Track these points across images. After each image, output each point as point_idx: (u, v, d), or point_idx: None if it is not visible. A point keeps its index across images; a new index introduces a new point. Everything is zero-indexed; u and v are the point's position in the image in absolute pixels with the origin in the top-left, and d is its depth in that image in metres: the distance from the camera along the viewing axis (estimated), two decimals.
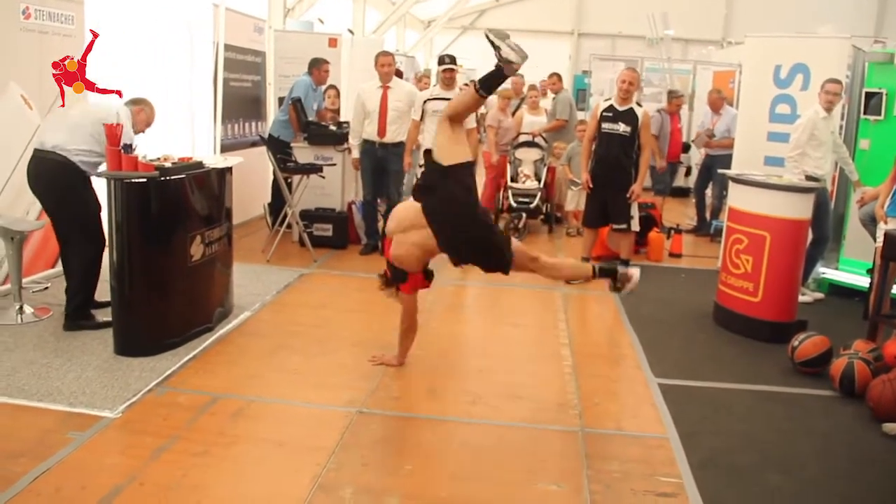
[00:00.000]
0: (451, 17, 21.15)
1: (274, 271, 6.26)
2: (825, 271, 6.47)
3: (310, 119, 7.51)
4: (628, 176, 6.17)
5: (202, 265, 4.62)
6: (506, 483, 3.18)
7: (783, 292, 5.11)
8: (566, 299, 5.93)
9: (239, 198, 5.53)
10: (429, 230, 3.84)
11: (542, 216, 8.65)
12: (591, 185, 6.31)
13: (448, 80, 6.60)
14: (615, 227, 6.34)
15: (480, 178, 6.12)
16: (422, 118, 6.62)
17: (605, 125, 6.21)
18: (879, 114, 6.22)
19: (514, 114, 9.24)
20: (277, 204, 7.49)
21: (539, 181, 8.36)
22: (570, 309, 5.72)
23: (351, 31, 14.07)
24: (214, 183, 4.78)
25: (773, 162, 6.49)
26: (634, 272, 4.18)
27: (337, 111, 8.13)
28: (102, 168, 4.42)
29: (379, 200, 7.27)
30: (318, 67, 7.65)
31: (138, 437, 3.37)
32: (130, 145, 4.19)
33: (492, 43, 3.61)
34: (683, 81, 12.71)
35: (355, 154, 7.03)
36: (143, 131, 4.80)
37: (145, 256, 4.31)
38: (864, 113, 6.35)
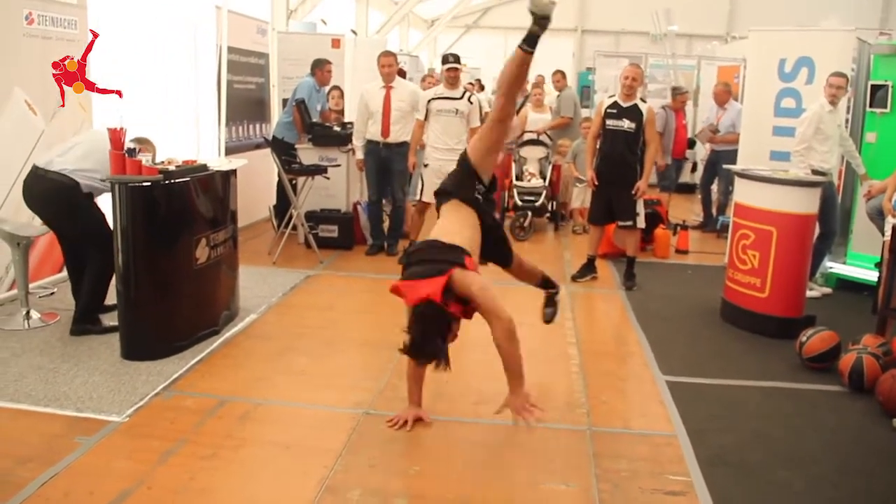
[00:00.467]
0: (454, 16, 21.14)
1: (280, 273, 6.27)
2: (833, 266, 6.45)
3: (314, 120, 7.52)
4: (633, 172, 6.14)
5: (208, 268, 4.62)
6: (514, 482, 3.17)
7: (791, 288, 5.08)
8: (573, 297, 5.91)
9: (244, 200, 5.54)
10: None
11: (547, 214, 8.64)
12: (596, 183, 6.29)
13: (452, 78, 6.59)
14: (621, 224, 6.32)
15: None
16: (426, 118, 6.61)
17: (609, 122, 6.19)
18: (885, 106, 6.19)
19: (518, 112, 9.22)
20: (282, 206, 7.50)
21: (544, 179, 8.35)
22: (577, 307, 5.71)
23: (354, 32, 14.09)
24: (219, 185, 4.78)
25: (778, 156, 6.47)
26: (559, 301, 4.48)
27: (341, 112, 8.14)
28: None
29: (384, 201, 7.27)
30: (321, 68, 7.66)
31: (146, 441, 3.37)
32: (134, 149, 4.19)
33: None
34: (688, 77, 12.66)
35: (359, 155, 7.03)
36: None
37: (151, 260, 4.31)
38: (870, 106, 6.33)
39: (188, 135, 7.94)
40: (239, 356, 4.48)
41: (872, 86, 6.29)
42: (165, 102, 7.69)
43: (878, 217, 5.47)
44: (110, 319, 4.60)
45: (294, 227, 7.12)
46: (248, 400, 3.83)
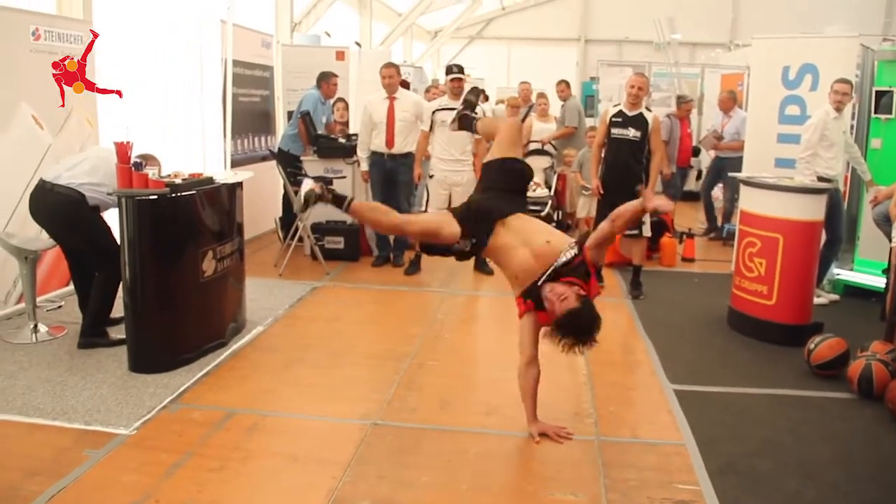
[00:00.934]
0: (457, 28, 21.24)
1: (286, 285, 6.28)
2: (840, 272, 6.42)
3: (319, 132, 7.54)
4: (639, 181, 6.14)
5: (214, 281, 4.63)
6: (522, 493, 3.16)
7: (798, 295, 5.07)
8: None
9: (250, 212, 5.55)
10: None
11: (553, 224, 8.62)
12: (601, 191, 6.29)
13: (456, 89, 6.60)
14: (627, 232, 6.31)
15: None
16: (431, 128, 6.63)
17: (614, 130, 6.19)
18: (890, 112, 6.19)
19: (523, 121, 9.23)
20: (289, 218, 7.51)
21: (549, 189, 8.35)
22: None
23: (358, 44, 14.13)
24: (225, 198, 4.79)
25: (783, 164, 6.45)
26: None
27: (346, 124, 8.16)
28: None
29: None
30: (326, 81, 7.68)
31: (153, 453, 3.37)
32: (141, 163, 4.21)
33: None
34: (692, 85, 12.67)
35: (364, 166, 7.05)
36: None
37: (157, 273, 4.32)
38: (875, 112, 6.32)
39: (194, 148, 7.98)
40: (246, 368, 4.48)
41: (877, 92, 6.29)
42: (172, 116, 7.74)
43: (884, 223, 5.45)
44: (117, 332, 4.61)
45: (300, 239, 7.13)
46: (255, 412, 3.83)
